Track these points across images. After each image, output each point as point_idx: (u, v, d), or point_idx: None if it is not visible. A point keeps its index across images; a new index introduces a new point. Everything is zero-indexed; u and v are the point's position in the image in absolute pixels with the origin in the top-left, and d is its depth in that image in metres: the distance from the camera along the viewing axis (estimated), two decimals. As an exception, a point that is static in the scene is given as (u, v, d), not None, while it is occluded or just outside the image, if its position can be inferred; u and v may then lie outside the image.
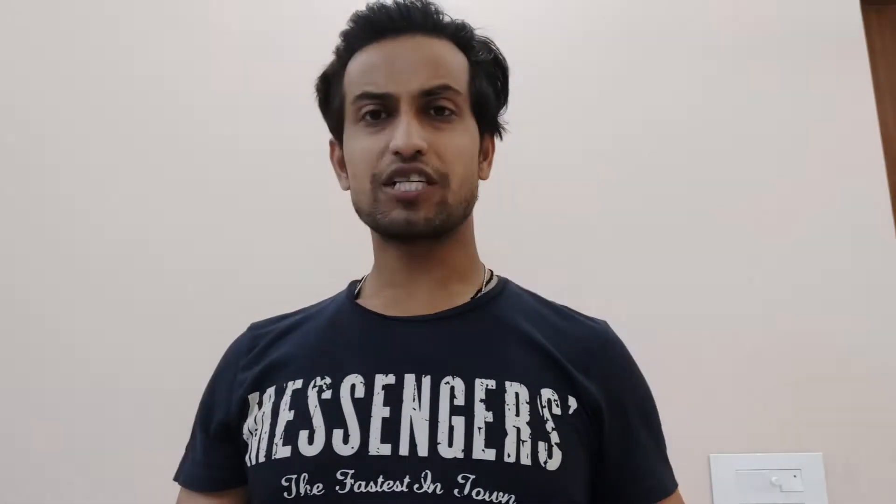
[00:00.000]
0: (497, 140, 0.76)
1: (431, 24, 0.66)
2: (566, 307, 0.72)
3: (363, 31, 0.67)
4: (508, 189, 1.20)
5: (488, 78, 0.70)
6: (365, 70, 0.65)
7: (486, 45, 0.71)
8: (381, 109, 0.63)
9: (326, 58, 0.72)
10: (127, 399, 1.24)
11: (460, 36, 0.68)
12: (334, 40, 0.70)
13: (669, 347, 1.21)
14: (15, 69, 1.39)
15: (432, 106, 0.64)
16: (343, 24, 0.69)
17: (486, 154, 0.73)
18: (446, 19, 0.68)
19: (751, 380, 1.20)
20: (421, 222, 0.62)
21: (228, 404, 0.68)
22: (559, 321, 0.68)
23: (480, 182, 0.71)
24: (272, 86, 1.36)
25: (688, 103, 1.32)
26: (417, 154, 0.61)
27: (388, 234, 0.65)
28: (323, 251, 1.27)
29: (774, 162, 1.28)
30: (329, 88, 0.71)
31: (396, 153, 0.61)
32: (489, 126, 0.72)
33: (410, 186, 0.61)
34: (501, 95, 0.73)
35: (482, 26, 0.71)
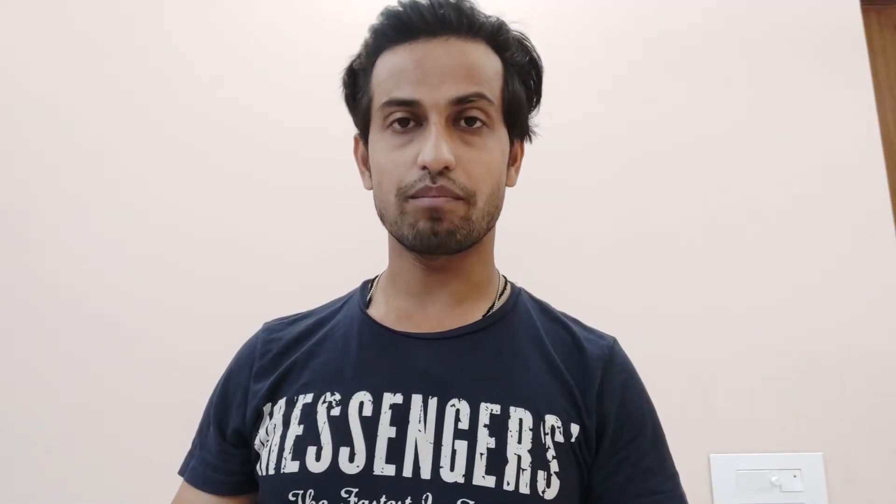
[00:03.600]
0: (527, 143, 0.73)
1: (466, 26, 0.63)
2: (575, 321, 0.71)
3: (393, 30, 0.63)
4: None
5: (522, 80, 0.67)
6: (393, 74, 0.62)
7: (522, 43, 0.68)
8: (410, 117, 0.61)
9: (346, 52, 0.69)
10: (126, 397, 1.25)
11: (496, 37, 0.65)
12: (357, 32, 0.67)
13: (670, 348, 1.21)
14: (32, 50, 1.39)
15: (463, 116, 0.61)
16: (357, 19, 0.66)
17: (514, 159, 0.70)
18: (481, 19, 0.64)
19: (751, 380, 1.20)
20: (444, 234, 0.60)
21: (244, 414, 0.67)
22: (567, 338, 0.68)
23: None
24: (284, 77, 1.36)
25: (686, 103, 1.32)
26: (445, 169, 0.59)
27: (410, 247, 0.64)
28: (336, 241, 1.27)
29: (774, 161, 1.28)
30: (356, 84, 0.69)
31: (424, 167, 0.59)
32: (520, 131, 0.70)
33: (436, 199, 0.59)
34: (534, 97, 0.71)
35: (517, 20, 0.68)
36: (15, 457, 1.23)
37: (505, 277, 0.74)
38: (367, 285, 0.74)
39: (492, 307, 0.68)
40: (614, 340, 0.69)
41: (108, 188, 1.34)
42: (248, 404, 0.67)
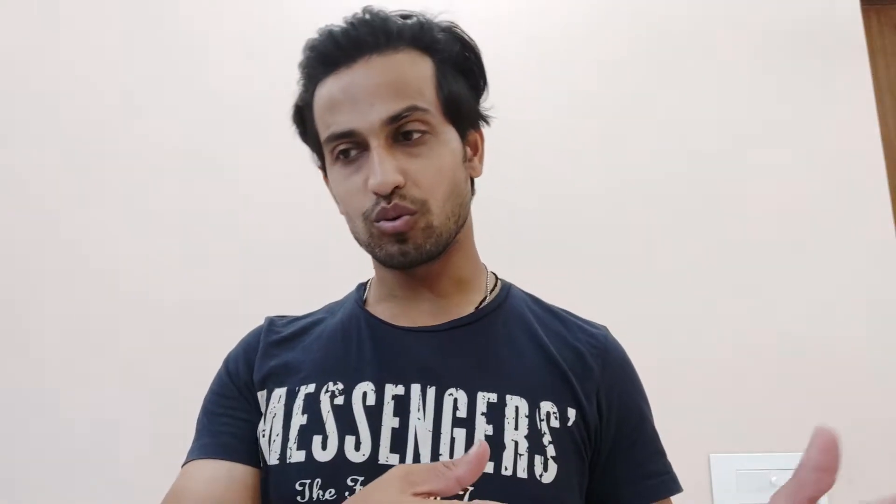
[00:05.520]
0: (485, 127, 0.71)
1: (384, 40, 0.61)
2: (567, 312, 0.73)
3: (317, 63, 0.63)
4: (505, 187, 1.20)
5: (460, 70, 0.66)
6: (327, 107, 0.62)
7: (451, 32, 0.66)
8: (351, 147, 0.61)
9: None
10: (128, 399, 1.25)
11: (420, 39, 0.63)
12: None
13: (670, 347, 1.21)
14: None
15: (402, 132, 0.61)
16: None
17: (475, 149, 0.69)
18: (397, 27, 0.62)
19: (751, 380, 1.20)
20: (412, 252, 0.61)
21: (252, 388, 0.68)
22: (561, 328, 0.69)
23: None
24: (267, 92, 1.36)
25: (684, 103, 1.32)
26: (396, 189, 0.59)
27: (386, 266, 0.65)
28: (336, 246, 1.27)
29: (773, 162, 1.28)
30: (304, 120, 0.69)
31: (376, 192, 0.59)
32: (471, 122, 0.68)
33: (396, 222, 0.60)
34: (480, 81, 0.69)
35: (444, 10, 0.65)
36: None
37: (495, 274, 0.75)
38: (363, 287, 0.75)
39: (483, 300, 0.70)
40: (606, 329, 0.71)
41: (116, 190, 1.34)
42: (254, 380, 0.68)
